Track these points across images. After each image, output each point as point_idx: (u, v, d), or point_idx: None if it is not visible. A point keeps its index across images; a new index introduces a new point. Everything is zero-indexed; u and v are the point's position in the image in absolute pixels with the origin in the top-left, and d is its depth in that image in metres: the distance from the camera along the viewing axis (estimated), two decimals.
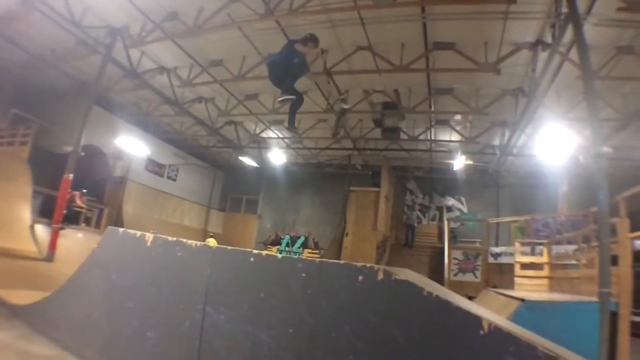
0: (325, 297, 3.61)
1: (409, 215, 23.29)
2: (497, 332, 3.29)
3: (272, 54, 8.12)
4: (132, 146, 18.89)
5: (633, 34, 10.72)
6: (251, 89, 16.60)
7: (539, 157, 15.18)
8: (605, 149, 7.40)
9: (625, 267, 6.92)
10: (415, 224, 21.89)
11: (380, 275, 3.49)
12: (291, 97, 7.51)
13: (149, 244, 4.29)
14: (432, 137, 18.78)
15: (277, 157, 21.85)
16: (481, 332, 3.28)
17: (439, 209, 23.52)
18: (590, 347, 5.68)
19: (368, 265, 3.57)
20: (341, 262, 3.49)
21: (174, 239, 4.18)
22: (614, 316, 6.36)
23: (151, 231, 4.77)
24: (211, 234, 22.82)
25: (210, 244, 4.15)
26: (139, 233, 4.46)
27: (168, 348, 3.97)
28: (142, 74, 15.14)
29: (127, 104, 19.07)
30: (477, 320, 3.32)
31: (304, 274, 3.66)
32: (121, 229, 4.83)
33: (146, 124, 20.59)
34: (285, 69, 7.38)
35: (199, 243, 4.08)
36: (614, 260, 7.02)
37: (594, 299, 6.44)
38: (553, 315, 6.33)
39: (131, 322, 4.20)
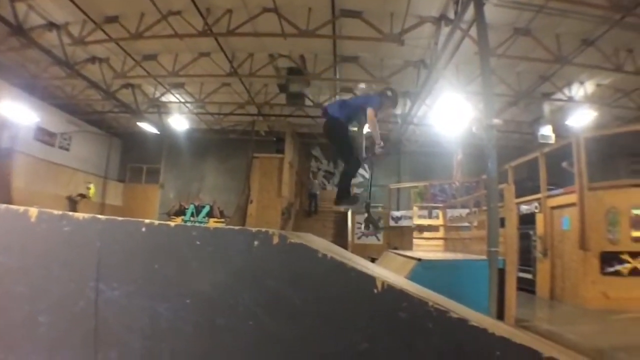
0: (221, 265, 3.58)
1: (311, 183, 23.61)
2: (390, 290, 3.62)
3: (334, 103, 6.25)
4: (18, 113, 17.02)
5: (530, 16, 11.51)
6: (150, 49, 15.47)
7: (437, 126, 16.10)
8: (496, 121, 7.96)
9: (511, 229, 7.60)
10: (318, 192, 22.25)
11: (276, 240, 3.53)
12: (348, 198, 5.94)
13: (33, 219, 3.93)
14: None
15: (179, 122, 20.91)
16: (375, 290, 3.58)
17: None
18: (481, 301, 6.23)
19: (263, 229, 3.61)
20: (236, 227, 3.47)
21: (60, 212, 3.88)
22: (502, 272, 7.00)
23: (35, 206, 4.38)
24: (90, 184, 21.56)
25: (91, 194, 3.88)
26: (22, 208, 4.09)
27: (63, 331, 3.72)
28: (29, 30, 13.51)
29: (12, 65, 16.86)
30: (371, 279, 3.63)
31: (198, 242, 3.59)
32: (2, 205, 4.41)
33: (34, 88, 18.31)
34: (344, 133, 5.75)
35: (86, 215, 3.81)
36: (502, 223, 7.68)
37: (484, 257, 7.03)
38: (447, 272, 6.86)
39: (22, 307, 3.88)
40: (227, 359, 3.61)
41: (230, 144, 24.24)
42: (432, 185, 16.36)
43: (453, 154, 14.95)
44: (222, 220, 22.63)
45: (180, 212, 24.64)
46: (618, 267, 10.34)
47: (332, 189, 23.79)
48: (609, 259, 10.43)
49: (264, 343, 3.60)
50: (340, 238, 16.38)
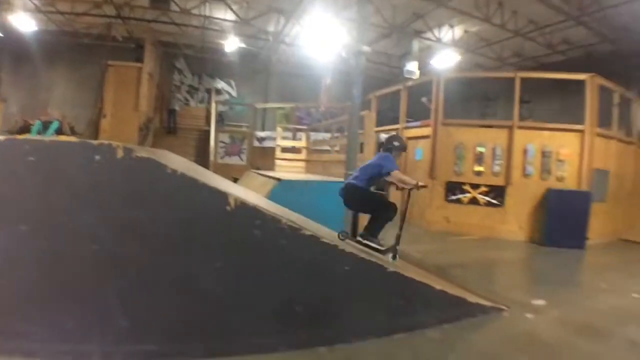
0: (60, 183, 3.16)
1: (170, 99, 21.91)
2: (243, 207, 3.48)
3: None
4: None
5: None
6: None
7: (309, 49, 15.84)
8: (366, 49, 7.95)
9: (369, 154, 7.85)
10: (177, 108, 20.67)
11: (120, 153, 3.19)
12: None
13: None
14: (206, 14, 17.53)
15: (23, 22, 17.75)
16: (228, 208, 3.42)
17: (208, 91, 22.79)
18: (337, 221, 6.40)
19: (106, 142, 3.22)
20: (75, 140, 3.02)
21: None
22: None
23: None
24: None
25: None
26: None
27: None
28: None
29: None
30: (223, 196, 3.44)
31: (32, 158, 3.10)
32: None
33: None
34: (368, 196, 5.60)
35: None
36: (361, 148, 7.89)
37: (341, 179, 7.19)
38: (305, 192, 6.95)
39: None
40: (71, 289, 3.21)
41: (83, 49, 21.02)
42: (298, 107, 16.32)
43: (322, 78, 14.95)
44: (73, 137, 20.40)
45: (25, 129, 21.42)
46: (460, 196, 11.40)
47: (195, 106, 22.61)
48: (453, 188, 11.45)
49: (111, 268, 3.23)
50: (202, 157, 15.70)
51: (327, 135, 11.94)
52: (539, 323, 4.96)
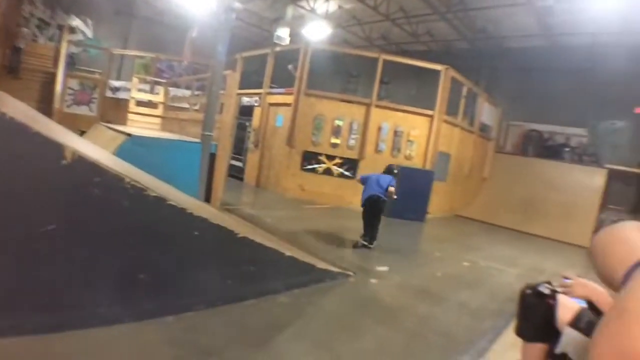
0: None
1: (16, 34, 18.90)
2: (81, 162, 3.12)
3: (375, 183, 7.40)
4: None
5: None
6: None
7: None
8: (237, 5, 7.62)
9: (228, 115, 7.62)
10: (23, 46, 17.99)
11: None
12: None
13: None
14: None
15: None
16: (63, 161, 3.03)
17: (61, 27, 20.13)
18: (192, 183, 6.16)
19: None
20: None
21: None
22: (213, 157, 7.03)
23: None
24: None
25: None
26: None
27: None
28: None
29: None
30: (58, 148, 3.04)
31: None
32: None
33: None
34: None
35: None
36: (221, 109, 7.63)
37: (198, 140, 6.90)
38: (159, 151, 6.53)
39: None
40: None
41: None
42: (160, 59, 15.21)
43: (188, 31, 14.10)
44: None
45: None
46: (315, 166, 11.75)
47: (45, 43, 19.90)
48: (309, 157, 11.75)
49: None
50: (45, 104, 13.90)
51: (188, 92, 11.34)
52: (382, 288, 5.40)
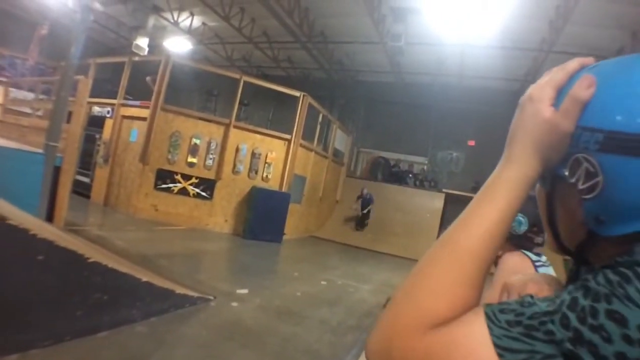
0: None
1: None
2: None
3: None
4: None
5: None
6: None
7: None
8: (97, 5, 7.10)
9: (76, 125, 6.96)
10: None
11: None
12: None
13: None
14: None
15: None
16: None
17: None
18: (30, 199, 5.46)
19: None
20: None
21: None
22: (58, 170, 6.34)
23: None
24: None
25: None
26: None
27: None
28: None
29: None
30: None
31: None
32: None
33: None
34: None
35: None
36: (69, 118, 6.95)
37: (41, 150, 6.19)
38: None
39: None
40: None
41: None
42: (1, 54, 13.32)
43: (37, 26, 12.65)
44: None
45: None
46: (170, 185, 11.25)
47: None
48: (164, 176, 11.21)
49: None
50: None
51: (31, 95, 10.09)
52: (244, 310, 5.31)
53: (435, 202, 15.15)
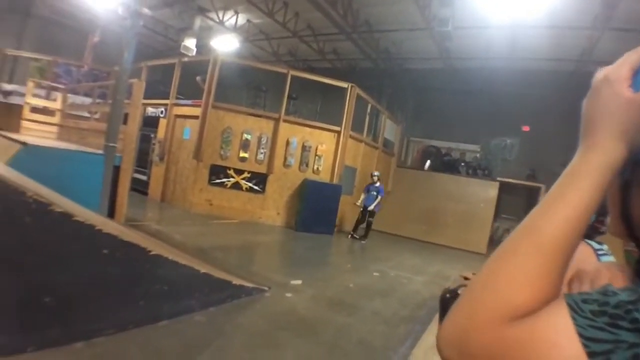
0: None
1: None
2: None
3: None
4: None
5: None
6: None
7: None
8: (146, 11, 7.34)
9: (132, 126, 7.23)
10: None
11: None
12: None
13: None
14: None
15: None
16: None
17: None
18: (92, 197, 5.74)
19: None
20: None
21: None
22: (117, 170, 6.63)
23: None
24: None
25: None
26: None
27: None
28: None
29: None
30: None
31: None
32: None
33: None
34: None
35: None
36: (125, 119, 7.23)
37: (100, 151, 6.49)
38: (57, 162, 6.01)
39: None
40: None
41: None
42: (57, 62, 14.06)
43: (89, 35, 13.26)
44: None
45: None
46: (224, 180, 11.51)
47: None
48: (217, 171, 11.48)
49: None
50: None
51: (88, 100, 10.62)
52: (298, 301, 5.38)
53: (489, 191, 14.64)
